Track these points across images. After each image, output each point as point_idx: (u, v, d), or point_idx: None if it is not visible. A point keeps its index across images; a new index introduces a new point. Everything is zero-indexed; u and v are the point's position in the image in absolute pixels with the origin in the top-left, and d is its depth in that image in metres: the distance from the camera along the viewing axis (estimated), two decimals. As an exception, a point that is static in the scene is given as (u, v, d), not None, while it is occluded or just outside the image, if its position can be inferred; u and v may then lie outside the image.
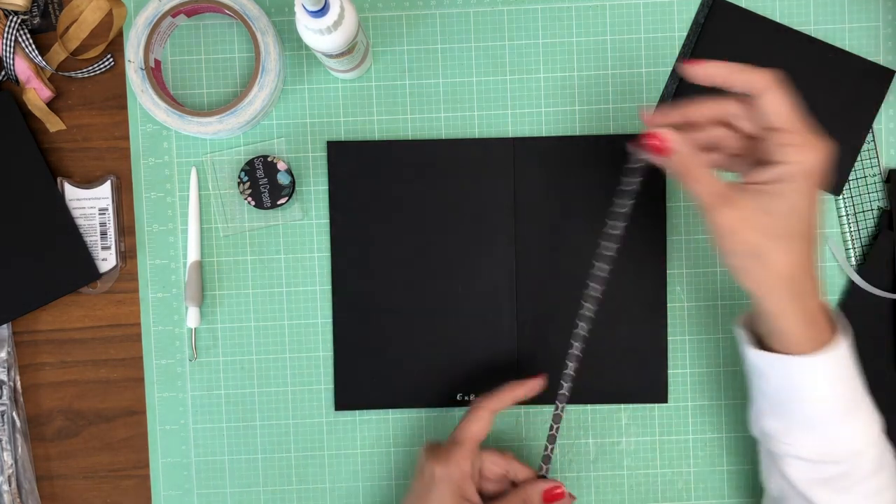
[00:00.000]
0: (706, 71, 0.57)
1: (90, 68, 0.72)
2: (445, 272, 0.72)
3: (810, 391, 0.58)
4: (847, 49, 0.72)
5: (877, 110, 0.71)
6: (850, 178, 0.72)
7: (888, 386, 0.72)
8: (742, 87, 0.57)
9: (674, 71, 0.72)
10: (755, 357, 0.60)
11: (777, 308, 0.57)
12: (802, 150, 0.55)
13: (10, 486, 0.71)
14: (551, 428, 0.66)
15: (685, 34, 0.72)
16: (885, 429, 0.62)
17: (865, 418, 0.60)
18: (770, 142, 0.56)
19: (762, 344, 0.61)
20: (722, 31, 0.71)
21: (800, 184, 0.55)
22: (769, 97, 0.56)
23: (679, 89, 0.72)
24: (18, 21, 0.70)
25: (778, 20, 0.72)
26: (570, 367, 0.66)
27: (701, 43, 0.71)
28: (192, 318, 0.72)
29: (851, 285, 0.72)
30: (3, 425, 0.72)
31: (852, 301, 0.72)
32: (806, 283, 0.56)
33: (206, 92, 0.73)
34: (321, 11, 0.58)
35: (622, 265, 0.72)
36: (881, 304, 0.72)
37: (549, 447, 0.66)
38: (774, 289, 0.56)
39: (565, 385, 0.66)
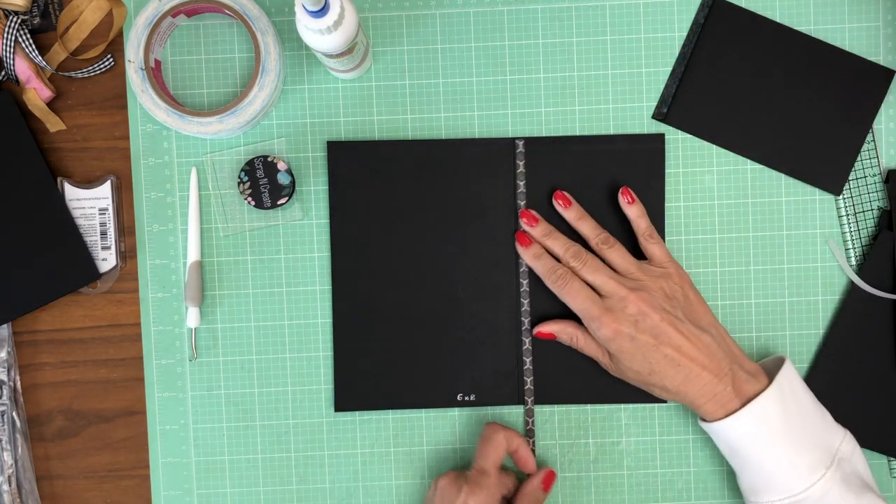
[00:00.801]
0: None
1: (90, 68, 0.72)
2: (445, 272, 0.72)
3: (740, 446, 0.65)
4: (847, 49, 0.72)
5: (877, 110, 0.71)
6: (851, 178, 0.72)
7: (888, 387, 0.72)
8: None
9: (674, 71, 0.72)
10: (701, 425, 0.68)
11: (687, 405, 0.67)
12: (594, 332, 0.68)
13: (10, 486, 0.71)
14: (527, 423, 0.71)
15: (685, 34, 0.72)
16: (848, 448, 0.65)
17: (818, 458, 0.64)
18: None
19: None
20: (722, 31, 0.71)
21: (613, 350, 0.67)
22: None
23: (679, 90, 0.72)
24: (18, 21, 0.70)
25: (778, 20, 0.72)
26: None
27: (701, 43, 0.71)
28: (192, 318, 0.72)
29: (851, 285, 0.72)
30: (3, 425, 0.72)
31: (852, 301, 0.72)
32: (689, 387, 0.66)
33: (206, 92, 0.73)
34: (321, 11, 0.58)
35: (622, 265, 0.72)
36: (881, 304, 0.72)
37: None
38: (673, 400, 0.69)
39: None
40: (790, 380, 0.66)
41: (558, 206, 0.71)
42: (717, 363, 0.66)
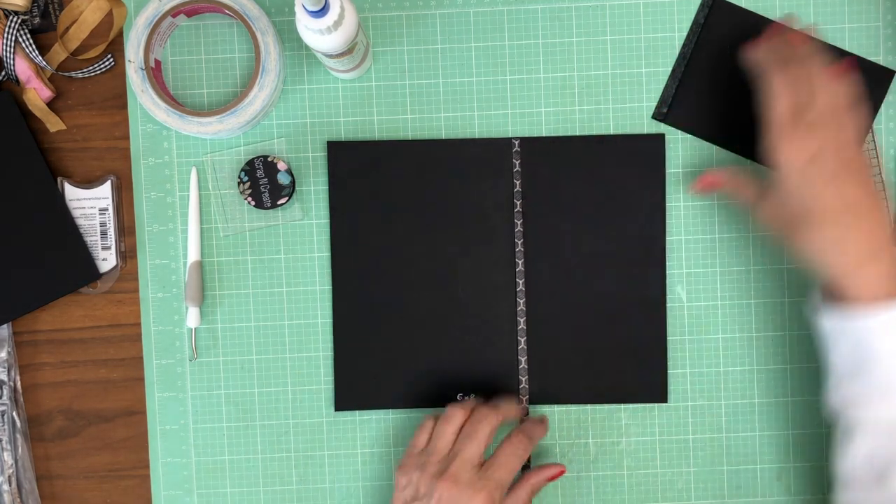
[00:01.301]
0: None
1: (90, 68, 0.72)
2: (445, 272, 0.72)
3: (879, 350, 0.58)
4: (847, 49, 0.72)
5: (877, 110, 0.71)
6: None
7: None
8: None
9: (674, 71, 0.72)
10: (827, 323, 0.60)
11: (830, 273, 0.59)
12: (773, 151, 0.61)
13: (10, 485, 0.72)
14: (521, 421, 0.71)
15: (685, 34, 0.72)
16: None
17: None
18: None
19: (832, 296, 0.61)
20: (722, 31, 0.71)
21: (781, 178, 0.61)
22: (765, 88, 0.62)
23: (679, 90, 0.72)
24: (18, 21, 0.70)
25: (778, 21, 0.72)
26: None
27: (701, 43, 0.71)
28: (192, 318, 0.72)
29: None
30: (3, 425, 0.72)
31: None
32: (843, 242, 0.58)
33: (206, 92, 0.73)
34: (321, 11, 0.58)
35: (622, 264, 0.72)
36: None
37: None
38: (813, 261, 0.60)
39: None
40: None
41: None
42: (876, 220, 0.58)
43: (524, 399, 0.73)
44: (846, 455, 0.61)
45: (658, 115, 0.72)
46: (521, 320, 0.72)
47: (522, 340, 0.72)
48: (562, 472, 0.69)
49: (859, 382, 0.59)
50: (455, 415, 0.66)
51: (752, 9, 0.72)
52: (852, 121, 0.61)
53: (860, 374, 0.59)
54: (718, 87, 0.72)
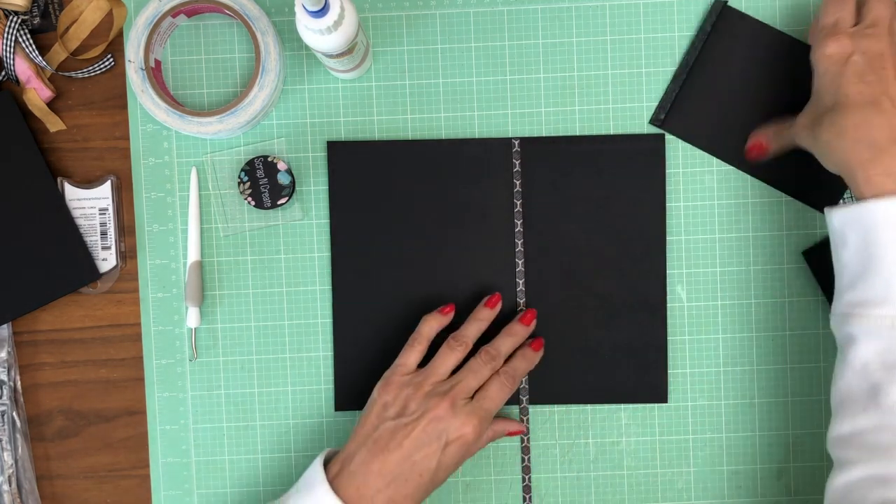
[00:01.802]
0: None
1: (90, 68, 0.72)
2: (445, 272, 0.72)
3: (887, 241, 0.57)
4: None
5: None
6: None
7: None
8: None
9: (675, 77, 0.72)
10: (838, 218, 0.60)
11: (848, 164, 0.60)
12: (814, 53, 0.63)
13: (10, 485, 0.72)
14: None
15: (685, 34, 0.72)
16: None
17: None
18: None
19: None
20: (728, 40, 0.71)
21: (818, 76, 0.62)
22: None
23: (678, 97, 0.71)
24: (18, 21, 0.70)
25: (778, 21, 0.72)
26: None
27: (706, 50, 0.71)
28: (192, 318, 0.72)
29: None
30: (3, 425, 0.72)
31: None
32: (859, 129, 0.59)
33: (206, 92, 0.73)
34: (321, 11, 0.58)
35: (622, 265, 0.72)
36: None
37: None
38: (834, 153, 0.61)
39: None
40: None
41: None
42: None
43: (524, 399, 0.73)
44: (842, 374, 0.60)
45: (655, 121, 0.72)
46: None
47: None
48: (521, 432, 0.71)
49: (867, 282, 0.58)
50: (459, 348, 0.67)
51: (752, 10, 0.72)
52: (891, 35, 0.62)
53: (867, 273, 0.58)
54: (719, 97, 0.71)
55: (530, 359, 0.69)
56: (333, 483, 0.62)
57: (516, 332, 0.69)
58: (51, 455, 0.74)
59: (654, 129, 0.72)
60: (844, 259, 0.60)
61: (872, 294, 0.58)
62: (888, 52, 0.61)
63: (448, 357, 0.67)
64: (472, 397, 0.66)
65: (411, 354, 0.67)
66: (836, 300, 0.62)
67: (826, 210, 0.62)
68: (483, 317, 0.70)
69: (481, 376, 0.66)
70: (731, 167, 0.72)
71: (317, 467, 0.63)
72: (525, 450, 0.73)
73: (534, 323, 0.71)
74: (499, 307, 0.71)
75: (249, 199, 0.71)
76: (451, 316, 0.70)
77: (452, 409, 0.63)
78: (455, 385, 0.65)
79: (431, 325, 0.69)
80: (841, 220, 0.60)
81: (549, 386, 0.73)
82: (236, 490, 0.73)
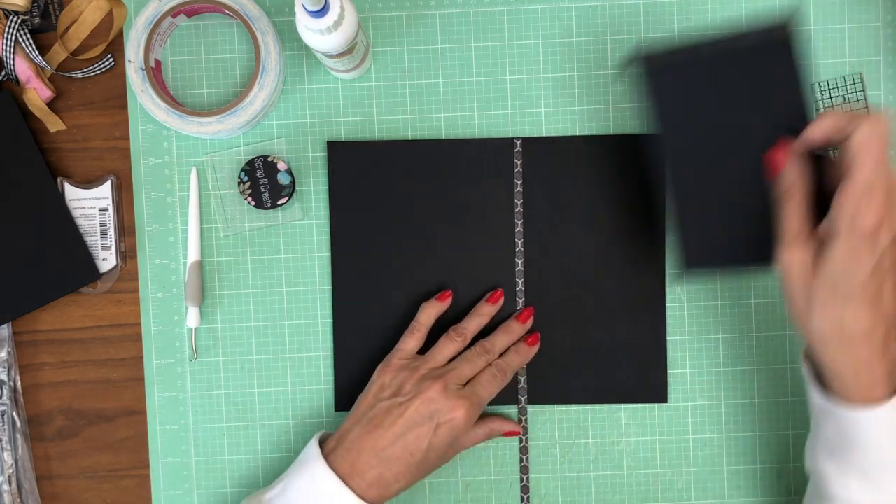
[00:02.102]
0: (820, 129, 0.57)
1: (90, 68, 0.72)
2: (445, 272, 0.72)
3: (866, 442, 0.56)
4: (847, 49, 0.72)
5: (798, 77, 0.61)
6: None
7: None
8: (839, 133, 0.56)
9: (673, 213, 0.65)
10: (816, 399, 0.59)
11: (824, 358, 0.57)
12: (855, 212, 0.52)
13: (10, 485, 0.72)
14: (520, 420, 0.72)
15: (685, 34, 0.72)
16: None
17: None
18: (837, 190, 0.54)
19: (824, 381, 0.59)
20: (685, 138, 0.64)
21: (847, 245, 0.53)
22: (856, 132, 0.54)
23: (685, 229, 0.65)
24: (18, 21, 0.70)
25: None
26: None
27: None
28: (192, 318, 0.72)
29: None
30: (3, 425, 0.72)
31: None
32: (855, 342, 0.55)
33: (206, 92, 0.73)
34: (321, 11, 0.58)
35: (622, 265, 0.72)
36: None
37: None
38: (817, 342, 0.57)
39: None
40: None
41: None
42: (892, 325, 0.55)
43: (523, 399, 0.73)
44: None
45: (686, 273, 0.64)
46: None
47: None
48: (517, 433, 0.71)
49: (839, 460, 0.58)
50: (458, 339, 0.69)
51: (752, 10, 0.72)
52: None
53: (842, 453, 0.58)
54: (721, 207, 0.64)
55: (524, 354, 0.70)
56: (328, 458, 0.64)
57: (512, 329, 0.70)
58: (51, 455, 0.74)
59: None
60: (822, 430, 0.59)
61: (844, 472, 0.58)
62: None
63: (446, 346, 0.69)
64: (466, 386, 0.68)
65: (410, 340, 0.69)
66: (810, 447, 0.61)
67: (808, 385, 0.60)
68: (484, 312, 0.71)
69: (475, 366, 0.68)
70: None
71: (313, 445, 0.65)
72: (524, 450, 0.73)
73: (530, 321, 0.71)
74: (500, 303, 0.71)
75: (249, 199, 0.71)
76: (448, 302, 0.71)
77: (444, 392, 0.65)
78: (449, 371, 0.67)
79: (429, 312, 0.70)
80: (820, 405, 0.59)
81: (549, 386, 0.73)
82: (236, 490, 0.73)
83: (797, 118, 0.60)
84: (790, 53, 0.61)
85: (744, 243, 0.62)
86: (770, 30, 0.61)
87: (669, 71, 0.62)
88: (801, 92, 0.61)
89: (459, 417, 0.64)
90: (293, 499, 0.63)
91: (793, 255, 0.56)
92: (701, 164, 0.63)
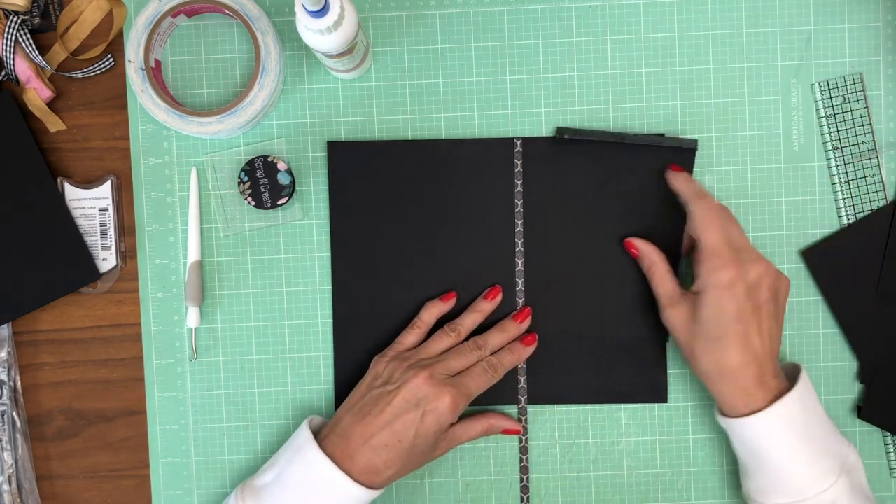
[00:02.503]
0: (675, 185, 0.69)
1: (90, 68, 0.72)
2: (445, 272, 0.72)
3: (765, 448, 0.64)
4: (847, 49, 0.72)
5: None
6: (851, 177, 0.72)
7: None
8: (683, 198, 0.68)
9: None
10: (719, 421, 0.67)
11: (713, 390, 0.66)
12: (712, 271, 0.64)
13: (10, 485, 0.72)
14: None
15: (685, 34, 0.72)
16: (854, 459, 0.65)
17: (830, 465, 0.64)
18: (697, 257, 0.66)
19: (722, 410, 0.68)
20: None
21: (712, 297, 0.64)
22: (694, 211, 0.66)
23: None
24: (18, 21, 0.70)
25: (778, 22, 0.72)
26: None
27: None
28: (192, 318, 0.72)
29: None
30: (3, 425, 0.72)
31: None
32: (732, 375, 0.64)
33: (206, 92, 0.73)
34: (321, 11, 0.58)
35: (622, 265, 0.72)
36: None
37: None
38: (704, 379, 0.66)
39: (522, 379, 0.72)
40: (808, 385, 0.66)
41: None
42: (766, 358, 0.65)
43: (523, 399, 0.73)
44: None
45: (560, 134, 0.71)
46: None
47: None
48: (517, 432, 0.72)
49: (757, 475, 0.66)
50: (452, 334, 0.70)
51: (752, 9, 0.72)
52: (776, 270, 0.66)
53: (756, 467, 0.66)
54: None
55: (518, 353, 0.70)
56: (322, 444, 0.65)
57: (508, 328, 0.71)
58: (51, 455, 0.74)
59: (654, 128, 0.72)
60: (736, 449, 0.67)
61: (764, 485, 0.65)
62: (785, 286, 0.67)
63: (440, 340, 0.70)
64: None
65: (409, 336, 0.70)
66: (741, 478, 0.69)
67: (717, 415, 0.68)
68: (481, 308, 0.71)
69: (465, 360, 0.68)
70: (731, 167, 0.72)
71: (304, 429, 0.66)
72: (524, 450, 0.73)
73: (527, 322, 0.71)
74: (498, 300, 0.72)
75: (249, 199, 0.71)
76: (451, 303, 0.72)
77: (430, 380, 0.65)
78: (438, 361, 0.67)
79: (432, 311, 0.71)
80: (725, 425, 0.67)
81: (549, 386, 0.73)
82: (236, 490, 0.73)
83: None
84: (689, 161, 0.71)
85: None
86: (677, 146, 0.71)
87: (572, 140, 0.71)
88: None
89: (445, 404, 0.65)
90: (289, 484, 0.64)
91: (673, 312, 0.67)
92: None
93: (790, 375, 0.68)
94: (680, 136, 0.72)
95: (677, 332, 0.67)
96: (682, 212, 0.70)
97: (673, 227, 0.72)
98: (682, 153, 0.72)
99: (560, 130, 0.71)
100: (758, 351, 0.64)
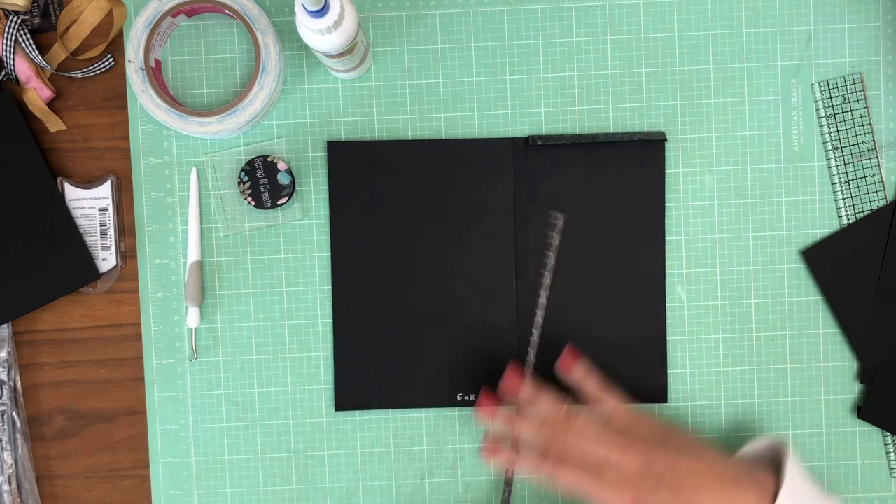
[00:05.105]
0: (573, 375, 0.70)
1: (90, 68, 0.72)
2: (445, 272, 0.72)
3: None
4: (847, 48, 0.72)
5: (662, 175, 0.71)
6: (851, 177, 0.72)
7: None
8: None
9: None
10: None
11: None
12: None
13: (10, 485, 0.72)
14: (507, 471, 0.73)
15: (685, 34, 0.72)
16: None
17: None
18: None
19: None
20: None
21: None
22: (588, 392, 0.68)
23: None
24: (18, 21, 0.70)
25: (778, 22, 0.72)
26: (531, 354, 0.71)
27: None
28: (192, 318, 0.72)
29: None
30: (3, 425, 0.72)
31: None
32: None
33: (206, 92, 0.73)
34: (321, 11, 0.58)
35: (622, 265, 0.72)
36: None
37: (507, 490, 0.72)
38: None
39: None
40: (797, 471, 0.64)
41: (563, 370, 0.70)
42: (732, 470, 0.64)
43: None
44: None
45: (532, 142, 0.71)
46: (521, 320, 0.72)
47: (522, 340, 0.72)
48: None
49: None
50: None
51: (751, 9, 0.72)
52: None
53: None
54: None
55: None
56: None
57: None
58: (51, 455, 0.74)
59: (655, 128, 0.72)
60: None
61: None
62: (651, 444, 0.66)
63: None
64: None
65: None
66: None
67: None
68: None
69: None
70: (731, 167, 0.72)
71: None
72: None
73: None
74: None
75: (249, 199, 0.71)
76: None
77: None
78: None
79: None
80: None
81: (549, 386, 0.73)
82: (236, 490, 0.73)
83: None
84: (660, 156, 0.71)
85: None
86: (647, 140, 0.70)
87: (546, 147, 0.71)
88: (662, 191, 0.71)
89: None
90: None
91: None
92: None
93: (774, 453, 0.66)
94: (648, 130, 0.72)
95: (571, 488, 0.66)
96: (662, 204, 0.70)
97: (657, 224, 0.72)
98: (653, 145, 0.71)
99: (532, 139, 0.71)
100: (714, 472, 0.63)
